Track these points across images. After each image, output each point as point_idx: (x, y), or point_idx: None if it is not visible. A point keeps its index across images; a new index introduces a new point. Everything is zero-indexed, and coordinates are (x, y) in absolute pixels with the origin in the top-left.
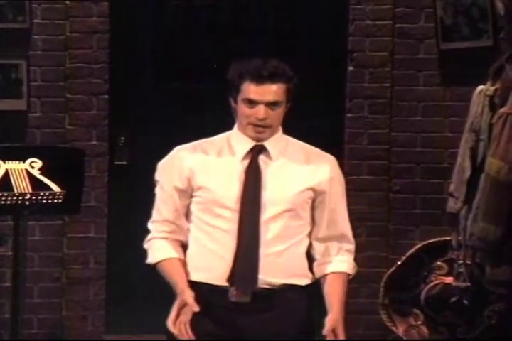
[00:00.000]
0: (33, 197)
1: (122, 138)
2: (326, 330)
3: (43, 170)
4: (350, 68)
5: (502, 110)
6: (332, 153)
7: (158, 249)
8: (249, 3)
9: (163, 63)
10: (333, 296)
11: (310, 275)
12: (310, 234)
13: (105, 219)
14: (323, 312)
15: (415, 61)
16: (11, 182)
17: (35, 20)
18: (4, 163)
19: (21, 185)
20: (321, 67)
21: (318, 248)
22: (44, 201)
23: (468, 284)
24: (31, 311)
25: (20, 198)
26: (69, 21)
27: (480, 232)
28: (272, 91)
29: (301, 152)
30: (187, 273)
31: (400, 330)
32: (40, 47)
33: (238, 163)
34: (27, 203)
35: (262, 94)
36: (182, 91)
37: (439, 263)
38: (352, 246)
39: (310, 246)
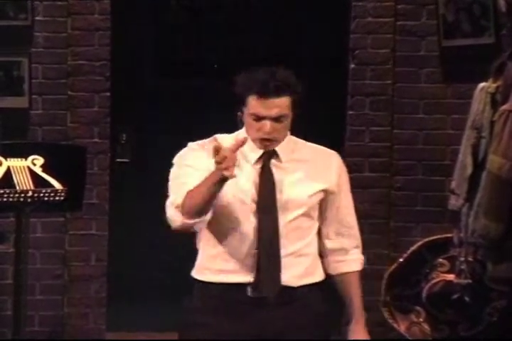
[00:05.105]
0: (35, 195)
1: (124, 135)
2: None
3: (44, 168)
4: (352, 65)
5: (503, 107)
6: (334, 151)
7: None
8: (250, 0)
9: (164, 61)
10: (354, 299)
11: (323, 272)
12: (319, 232)
13: (107, 216)
14: (334, 303)
15: (417, 58)
16: (13, 180)
17: (37, 18)
18: (6, 160)
19: (23, 182)
20: (323, 64)
21: (329, 245)
22: (46, 198)
23: (470, 281)
24: (33, 308)
25: (22, 195)
26: (71, 19)
27: (481, 229)
28: (277, 105)
29: (308, 152)
30: None
31: (402, 327)
32: (42, 45)
33: (250, 167)
34: (29, 200)
35: (268, 109)
36: (183, 88)
37: (440, 260)
38: (359, 242)
39: (320, 244)
